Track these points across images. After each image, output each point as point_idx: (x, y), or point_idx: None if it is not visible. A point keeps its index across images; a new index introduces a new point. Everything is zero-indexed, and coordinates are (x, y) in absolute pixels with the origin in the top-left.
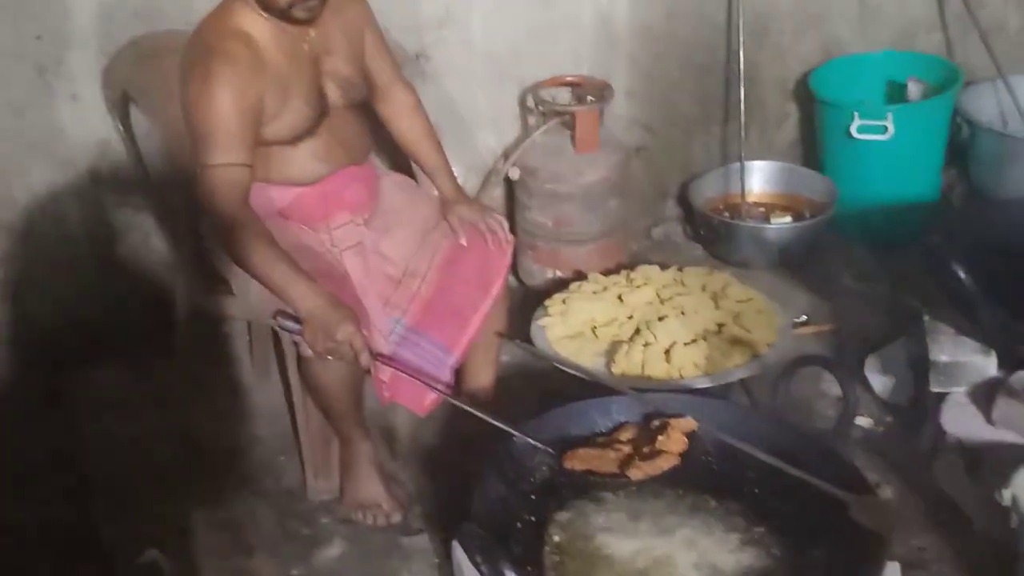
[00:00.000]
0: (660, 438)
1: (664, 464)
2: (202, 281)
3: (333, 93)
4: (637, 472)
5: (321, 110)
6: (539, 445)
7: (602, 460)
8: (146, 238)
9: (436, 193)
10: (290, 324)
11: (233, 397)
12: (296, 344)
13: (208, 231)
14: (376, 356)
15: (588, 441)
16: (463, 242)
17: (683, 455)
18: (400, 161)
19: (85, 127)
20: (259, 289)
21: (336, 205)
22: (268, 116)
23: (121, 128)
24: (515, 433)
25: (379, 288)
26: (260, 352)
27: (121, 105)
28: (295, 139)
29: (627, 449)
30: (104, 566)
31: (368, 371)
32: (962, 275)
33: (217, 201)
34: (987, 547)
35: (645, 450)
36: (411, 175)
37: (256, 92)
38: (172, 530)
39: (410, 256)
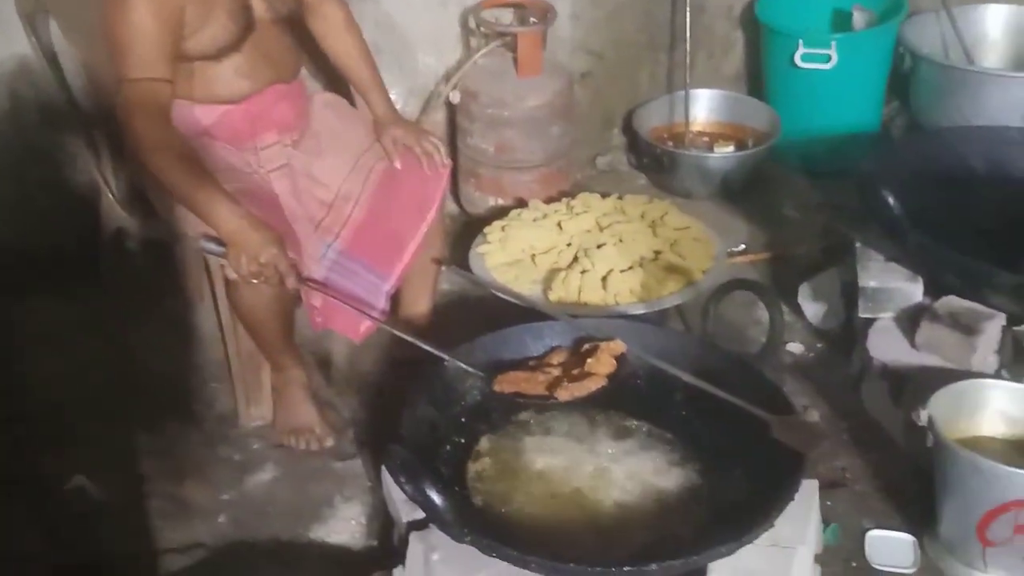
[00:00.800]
0: (589, 360)
1: (592, 385)
2: (128, 204)
3: (258, 6)
4: (564, 393)
5: (246, 24)
6: (469, 369)
7: (531, 383)
8: (72, 159)
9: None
10: (213, 247)
11: (165, 324)
12: (223, 268)
13: (128, 150)
14: (305, 280)
15: (519, 365)
16: (397, 165)
17: (611, 377)
18: (337, 82)
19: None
20: (185, 211)
21: (263, 125)
22: (189, 29)
23: (36, 42)
24: (445, 357)
25: (310, 211)
26: (192, 277)
27: (35, 18)
28: (219, 54)
29: (556, 372)
30: (35, 493)
31: (298, 296)
32: (892, 202)
33: (136, 117)
34: (907, 467)
35: (574, 372)
36: (348, 97)
37: (176, 3)
38: (103, 457)
39: (342, 179)
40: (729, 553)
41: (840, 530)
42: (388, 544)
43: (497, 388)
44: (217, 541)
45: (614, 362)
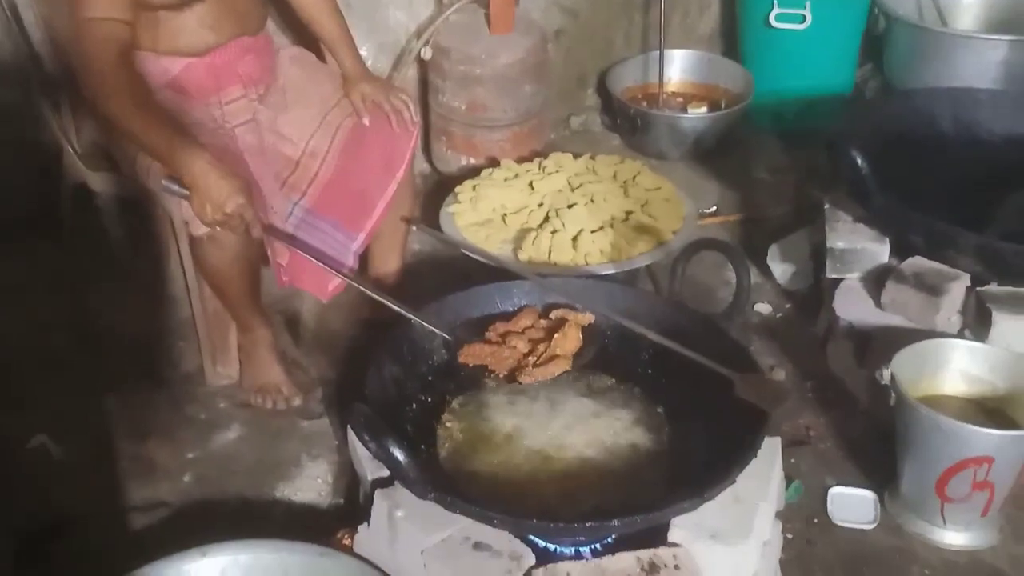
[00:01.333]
0: (556, 336)
1: (555, 370)
2: (90, 159)
3: None
4: (528, 379)
5: None
6: (435, 330)
7: (496, 358)
8: (32, 115)
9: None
10: (176, 188)
11: (129, 283)
12: (187, 224)
13: (87, 95)
14: (272, 230)
15: (488, 323)
16: (365, 122)
17: (577, 355)
18: (305, 36)
19: None
20: (148, 162)
21: (227, 78)
22: None
23: None
24: (412, 316)
25: (276, 168)
26: (156, 235)
27: None
28: (182, 4)
29: (522, 347)
30: None
31: (264, 255)
32: (860, 163)
33: (94, 60)
34: (870, 425)
35: (540, 347)
36: (317, 52)
37: None
38: (65, 417)
39: (309, 135)
40: (691, 509)
41: (803, 487)
42: (355, 503)
43: (462, 359)
44: (181, 500)
45: (580, 339)
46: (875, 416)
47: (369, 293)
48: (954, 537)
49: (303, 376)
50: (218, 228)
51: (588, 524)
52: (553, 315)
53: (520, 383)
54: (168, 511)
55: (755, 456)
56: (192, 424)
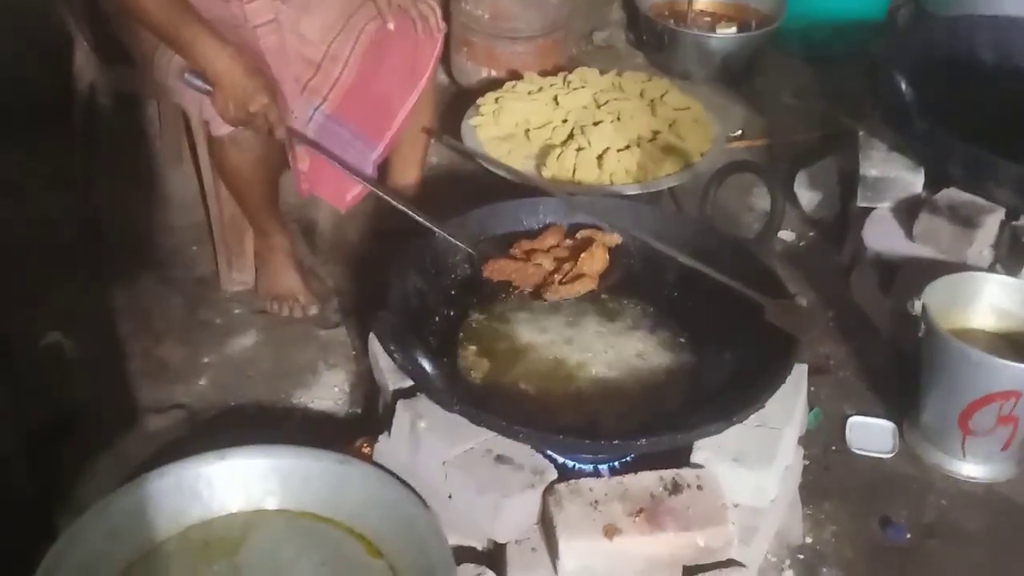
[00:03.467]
0: (583, 255)
1: (581, 288)
2: (103, 54)
3: None
4: (553, 296)
5: None
6: (460, 244)
7: (521, 274)
8: (43, 6)
9: None
10: (199, 83)
11: (140, 181)
12: (208, 123)
13: None
14: (294, 133)
15: (512, 244)
16: (390, 26)
17: (603, 276)
18: None
19: None
20: (167, 59)
21: None
22: None
23: None
24: (436, 228)
25: (296, 71)
26: (170, 135)
27: None
28: None
29: (548, 265)
30: (4, 349)
31: (285, 161)
32: (903, 88)
33: None
34: (890, 356)
35: (566, 266)
36: None
37: None
38: (75, 314)
39: (332, 38)
40: (718, 431)
41: (822, 414)
42: (372, 412)
43: (487, 275)
44: (197, 403)
45: (607, 259)
46: (896, 347)
47: (395, 203)
48: (972, 469)
49: (319, 285)
50: (241, 128)
51: (615, 442)
52: (579, 235)
53: (545, 300)
54: (184, 413)
55: (784, 382)
56: (207, 328)
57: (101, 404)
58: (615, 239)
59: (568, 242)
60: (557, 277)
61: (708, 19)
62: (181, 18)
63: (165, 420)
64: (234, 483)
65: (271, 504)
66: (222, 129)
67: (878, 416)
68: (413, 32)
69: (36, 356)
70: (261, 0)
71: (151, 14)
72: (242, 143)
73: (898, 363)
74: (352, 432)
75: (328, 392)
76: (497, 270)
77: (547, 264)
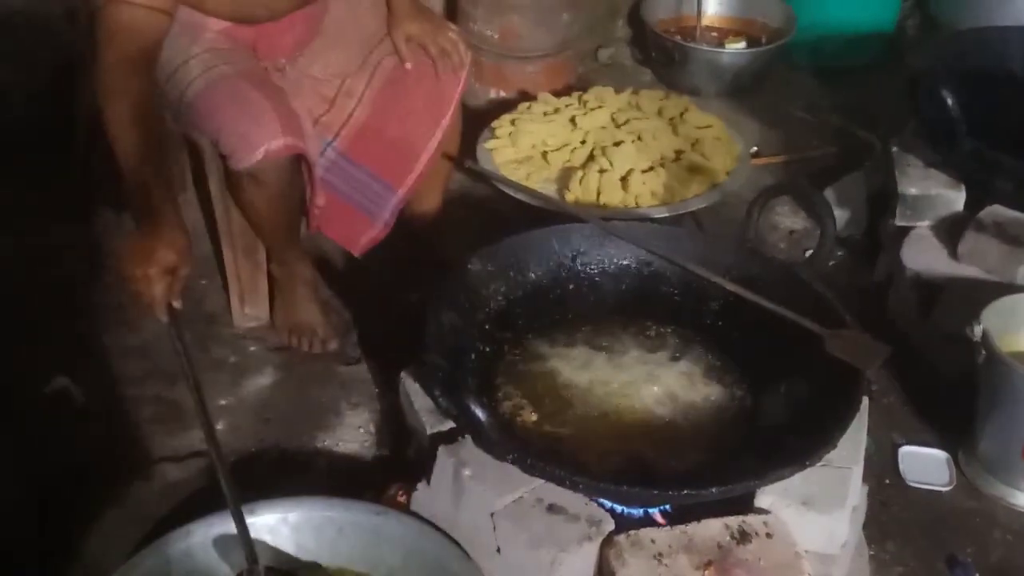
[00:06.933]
0: None
1: None
2: None
3: None
4: None
5: None
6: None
7: None
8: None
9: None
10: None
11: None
12: (226, 158)
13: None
14: (174, 315)
15: None
16: (407, 67)
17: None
18: None
19: None
20: (178, 91)
21: (273, 48)
22: None
23: None
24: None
25: (310, 105)
26: (173, 165)
27: None
28: None
29: None
30: (5, 393)
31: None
32: (949, 102)
33: (107, 47)
34: (935, 380)
35: None
36: None
37: None
38: (80, 355)
39: (347, 75)
40: (790, 475)
41: (873, 445)
42: (402, 455)
43: None
44: None
45: None
46: (941, 370)
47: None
48: None
49: (337, 318)
50: (262, 161)
51: (684, 492)
52: None
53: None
54: (201, 462)
55: (853, 419)
56: (221, 367)
57: (113, 453)
58: None
59: None
60: None
61: (715, 34)
62: (146, 157)
63: (182, 470)
64: (264, 539)
65: (304, 559)
66: (243, 163)
67: (929, 445)
68: (433, 69)
69: (42, 402)
70: (276, 66)
71: (117, 136)
72: (262, 179)
73: (945, 388)
74: (383, 478)
75: (353, 434)
76: None
77: None
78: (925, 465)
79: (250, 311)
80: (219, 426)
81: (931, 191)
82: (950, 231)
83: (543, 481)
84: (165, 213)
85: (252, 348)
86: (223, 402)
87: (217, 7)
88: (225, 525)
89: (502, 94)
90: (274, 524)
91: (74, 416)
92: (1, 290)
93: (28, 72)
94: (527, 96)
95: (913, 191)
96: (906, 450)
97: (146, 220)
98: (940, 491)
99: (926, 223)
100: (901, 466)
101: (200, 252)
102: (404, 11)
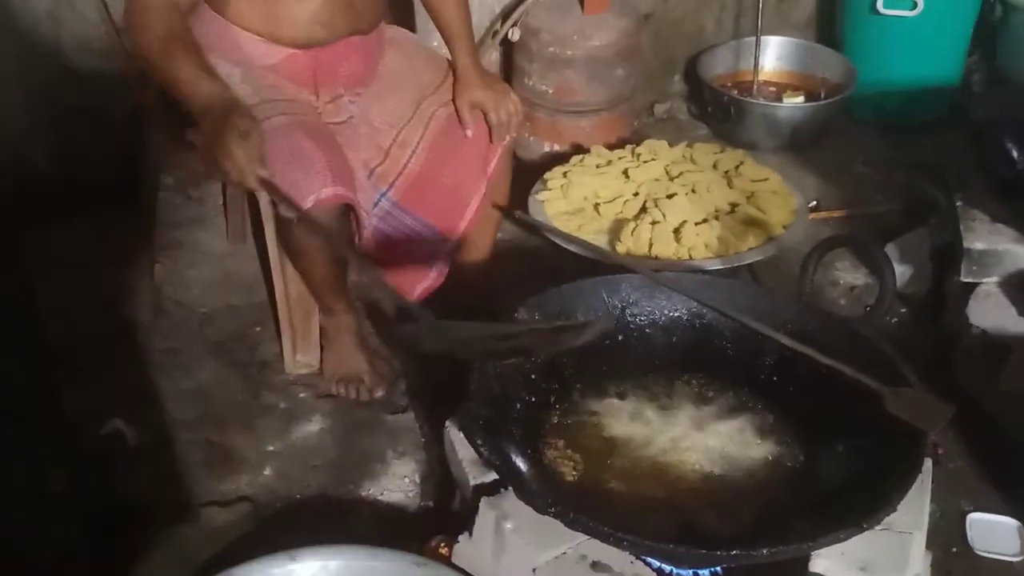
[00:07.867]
0: None
1: None
2: (171, 130)
3: None
4: None
5: None
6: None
7: None
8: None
9: (438, 47)
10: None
11: (203, 261)
12: (275, 206)
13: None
14: (264, 184)
15: None
16: (468, 134)
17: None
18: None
19: None
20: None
21: (328, 77)
22: None
23: None
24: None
25: (365, 157)
26: (234, 213)
27: None
28: None
29: None
30: (65, 435)
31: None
32: (1015, 155)
33: (145, 30)
34: (1007, 445)
35: None
36: (410, 22)
37: None
38: (136, 398)
39: (402, 125)
40: (847, 538)
41: (938, 511)
42: (446, 506)
43: None
44: (262, 494)
45: None
46: (1012, 433)
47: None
48: None
49: (385, 367)
50: (310, 210)
51: (734, 552)
52: None
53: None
54: (248, 506)
55: (915, 481)
56: (271, 413)
57: (163, 494)
58: None
59: None
60: None
61: (773, 89)
62: (183, 57)
63: (229, 514)
64: None
65: None
66: (291, 211)
67: (999, 512)
68: (485, 125)
69: (98, 443)
70: (338, 101)
71: (153, 55)
72: (312, 226)
73: (1017, 452)
74: (426, 529)
75: (398, 483)
76: None
77: None
78: (995, 533)
79: (302, 358)
80: (266, 471)
81: (998, 246)
82: (1019, 287)
83: (587, 537)
84: (219, 95)
85: (302, 395)
86: (271, 448)
87: (273, 28)
88: (268, 570)
89: (556, 148)
90: (315, 572)
91: (127, 457)
92: (63, 334)
93: (97, 124)
94: (581, 150)
95: (979, 246)
96: (974, 517)
97: (205, 113)
98: (1011, 561)
99: (993, 279)
100: (969, 534)
101: (256, 299)
102: (470, 77)
